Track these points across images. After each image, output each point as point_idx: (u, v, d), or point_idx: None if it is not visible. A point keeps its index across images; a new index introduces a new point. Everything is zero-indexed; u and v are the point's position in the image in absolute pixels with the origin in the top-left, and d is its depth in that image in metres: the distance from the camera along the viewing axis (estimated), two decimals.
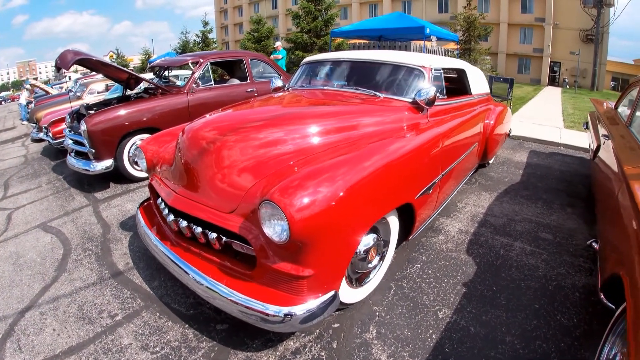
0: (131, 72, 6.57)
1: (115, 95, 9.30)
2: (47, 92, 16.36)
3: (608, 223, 2.65)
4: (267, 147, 2.57)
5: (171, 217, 2.76)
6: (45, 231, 4.86)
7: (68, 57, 5.34)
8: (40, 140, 10.95)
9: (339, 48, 17.17)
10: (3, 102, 51.34)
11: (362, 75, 3.86)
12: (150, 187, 3.41)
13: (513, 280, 3.24)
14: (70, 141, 6.17)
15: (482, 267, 3.42)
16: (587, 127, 6.31)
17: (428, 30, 13.90)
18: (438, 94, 3.47)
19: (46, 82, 23.74)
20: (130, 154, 5.94)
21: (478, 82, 5.14)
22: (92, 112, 6.24)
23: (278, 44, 14.43)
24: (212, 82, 6.91)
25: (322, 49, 17.33)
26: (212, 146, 2.61)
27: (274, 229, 2.01)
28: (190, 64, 6.80)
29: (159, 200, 3.15)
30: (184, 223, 2.65)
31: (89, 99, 11.33)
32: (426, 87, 3.31)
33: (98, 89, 11.87)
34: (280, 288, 2.16)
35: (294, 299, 2.12)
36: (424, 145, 3.04)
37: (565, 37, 38.74)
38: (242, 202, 2.31)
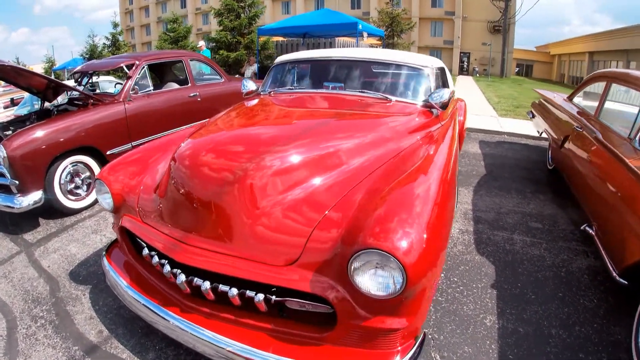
0: (53, 79, 5.59)
1: (28, 110, 8.14)
2: None
3: (612, 211, 2.79)
4: (312, 174, 2.15)
5: (182, 277, 2.06)
6: None
7: None
8: None
9: (264, 47, 16.62)
10: None
11: (360, 76, 3.55)
12: (123, 231, 2.66)
13: (530, 273, 3.31)
14: None
15: (499, 266, 3.43)
16: (534, 117, 6.76)
17: (360, 27, 13.84)
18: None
19: None
20: (62, 182, 4.99)
21: (449, 78, 4.98)
22: (9, 132, 5.25)
23: (201, 43, 13.60)
24: (151, 88, 6.06)
25: (247, 48, 16.63)
26: (239, 178, 2.03)
27: (382, 282, 1.65)
28: (124, 67, 5.91)
29: (146, 250, 2.41)
30: (206, 285, 1.99)
31: None
32: (438, 89, 3.16)
33: (4, 103, 10.38)
34: (367, 346, 1.79)
35: (387, 354, 1.77)
36: (449, 153, 2.76)
37: (474, 29, 41.21)
38: (305, 250, 1.83)
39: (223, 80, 7.31)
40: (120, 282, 2.50)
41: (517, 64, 48.10)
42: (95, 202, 5.29)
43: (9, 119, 7.58)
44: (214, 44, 16.55)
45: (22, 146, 4.50)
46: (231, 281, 1.95)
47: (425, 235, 1.64)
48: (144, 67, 5.95)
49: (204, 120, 3.44)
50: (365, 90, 3.33)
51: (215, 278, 2.00)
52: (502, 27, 37.93)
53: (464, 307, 2.91)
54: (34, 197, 4.66)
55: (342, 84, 3.51)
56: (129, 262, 2.70)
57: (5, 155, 4.37)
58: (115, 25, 25.23)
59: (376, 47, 19.96)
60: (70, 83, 7.30)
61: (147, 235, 2.32)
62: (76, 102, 5.93)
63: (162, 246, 2.15)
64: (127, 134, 5.52)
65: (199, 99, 6.63)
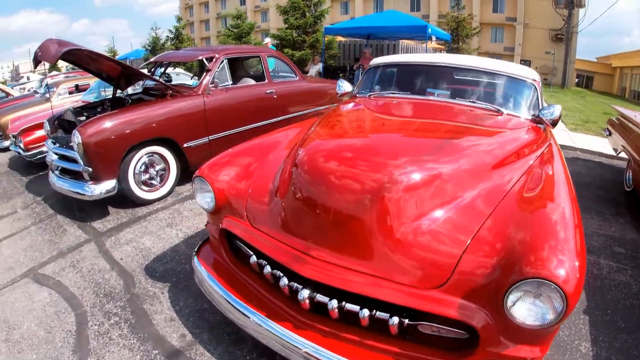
0: (131, 67, 5.33)
1: (95, 97, 7.99)
2: (8, 94, 14.60)
3: None
4: (451, 193, 2.07)
5: (305, 293, 1.94)
6: (38, 283, 3.64)
7: (52, 49, 4.12)
8: (5, 149, 9.44)
9: (328, 46, 16.22)
10: None
11: (464, 84, 3.46)
12: (223, 233, 2.54)
13: (618, 300, 3.24)
14: (55, 156, 4.89)
15: (589, 291, 3.33)
16: (610, 134, 6.48)
17: (430, 30, 13.19)
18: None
19: (2, 83, 21.68)
20: (137, 172, 4.74)
21: None
22: (83, 118, 4.99)
23: (267, 40, 13.31)
24: (230, 82, 5.72)
25: (312, 47, 16.29)
26: (377, 192, 1.91)
27: (539, 313, 1.62)
28: (204, 60, 5.58)
29: (254, 258, 2.30)
30: (333, 303, 1.88)
31: (60, 101, 9.86)
32: (551, 105, 3.07)
33: (69, 89, 10.35)
34: None
35: None
36: (566, 172, 2.70)
37: (535, 37, 39.43)
38: (455, 274, 1.74)
39: (297, 78, 6.93)
40: (216, 287, 2.40)
41: (577, 74, 45.79)
42: (169, 194, 5.12)
43: (76, 104, 7.45)
44: (278, 42, 16.27)
45: (98, 133, 4.28)
46: (358, 299, 1.87)
47: (577, 263, 1.63)
48: (223, 60, 5.69)
49: (292, 119, 3.44)
50: (476, 101, 3.23)
51: (337, 294, 1.91)
52: (564, 36, 36.09)
53: (560, 332, 2.83)
54: (107, 185, 4.45)
55: (447, 92, 3.42)
56: (220, 263, 2.64)
57: (81, 141, 4.15)
58: (179, 19, 25.65)
59: (440, 51, 19.25)
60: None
61: (260, 242, 2.22)
62: (152, 92, 5.66)
63: (283, 257, 2.04)
64: (205, 127, 5.26)
65: (275, 96, 6.28)
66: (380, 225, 1.87)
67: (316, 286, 1.95)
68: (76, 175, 4.69)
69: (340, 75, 14.38)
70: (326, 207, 1.94)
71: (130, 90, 6.18)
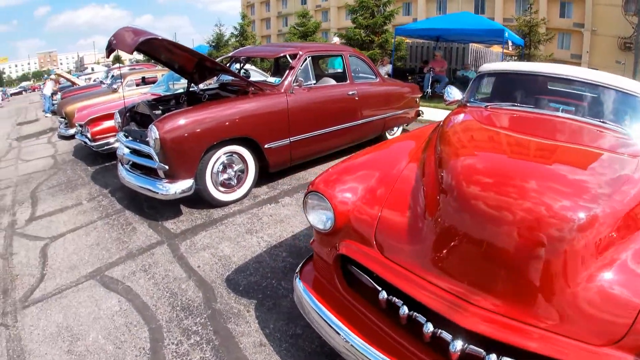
0: (213, 60, 4.94)
1: (163, 90, 7.74)
2: (74, 83, 14.86)
3: None
4: (622, 237, 1.76)
5: (458, 344, 1.63)
6: (105, 287, 3.25)
7: (128, 38, 3.80)
8: (70, 137, 9.42)
9: (397, 47, 15.62)
10: (23, 92, 50.82)
11: (587, 100, 3.12)
12: (338, 259, 2.18)
13: None
14: (127, 150, 4.57)
15: None
16: None
17: (507, 34, 12.30)
18: None
19: (67, 73, 22.32)
20: (214, 172, 4.34)
21: None
22: (159, 112, 4.65)
23: (336, 39, 12.84)
24: (314, 81, 5.26)
25: (380, 47, 15.68)
26: (565, 231, 1.60)
27: None
28: (287, 57, 5.15)
29: (384, 294, 1.95)
30: (492, 358, 1.56)
31: (127, 92, 9.74)
32: None
33: (136, 81, 10.25)
34: None
35: None
36: None
37: (603, 44, 37.26)
38: (633, 329, 1.44)
39: (378, 79, 6.37)
40: (327, 316, 2.07)
41: None
42: (245, 196, 4.71)
43: (144, 97, 7.20)
44: (345, 41, 15.79)
45: (177, 129, 3.88)
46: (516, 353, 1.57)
47: None
48: (306, 58, 5.22)
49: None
50: (606, 121, 2.84)
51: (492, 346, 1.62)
52: (633, 45, 33.95)
53: None
54: (183, 185, 4.04)
55: (572, 107, 3.14)
56: (324, 286, 2.30)
57: (158, 137, 3.76)
58: (244, 16, 25.86)
59: (511, 57, 18.26)
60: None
61: (397, 278, 1.86)
62: (229, 88, 5.26)
63: (435, 302, 1.71)
64: (287, 128, 4.83)
65: (356, 98, 5.77)
66: (561, 271, 1.60)
67: (468, 336, 1.65)
68: (148, 171, 4.34)
69: (410, 78, 13.74)
70: (495, 248, 1.64)
71: (202, 85, 5.84)
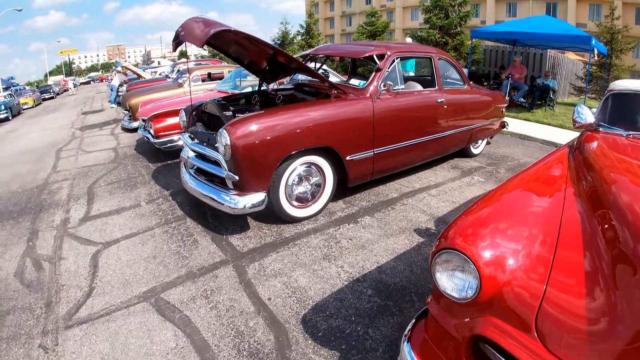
0: (291, 55, 4.39)
1: (230, 88, 7.33)
2: (140, 76, 14.94)
3: None
4: None
5: None
6: (160, 314, 2.78)
7: (197, 30, 3.32)
8: (133, 130, 9.26)
9: (473, 50, 14.68)
10: (92, 82, 53.27)
11: None
12: (471, 339, 1.58)
13: None
14: (192, 153, 4.11)
15: None
16: None
17: (594, 42, 11.16)
18: None
19: (134, 66, 22.79)
20: (289, 184, 3.78)
21: None
22: (229, 114, 4.19)
23: (408, 40, 12.05)
24: (402, 85, 4.61)
25: (455, 49, 14.77)
26: None
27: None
28: (374, 57, 4.52)
29: None
30: None
31: (192, 88, 9.47)
32: None
33: (202, 77, 9.97)
34: None
35: None
36: None
37: None
38: None
39: (466, 86, 5.62)
40: None
41: None
42: (320, 212, 4.12)
43: (211, 94, 6.81)
44: (417, 42, 14.98)
45: (251, 135, 3.36)
46: None
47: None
48: (394, 59, 4.56)
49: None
50: None
51: None
52: None
53: None
54: (254, 199, 3.52)
55: None
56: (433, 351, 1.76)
57: (229, 143, 3.26)
58: (311, 14, 25.60)
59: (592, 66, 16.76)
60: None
61: None
62: (306, 89, 4.71)
63: None
64: (372, 138, 4.20)
65: (445, 106, 5.04)
66: None
67: None
68: (213, 177, 3.86)
69: (485, 84, 12.76)
70: None
71: (273, 85, 5.35)
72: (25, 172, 6.86)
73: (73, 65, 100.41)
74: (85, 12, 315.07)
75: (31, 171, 6.90)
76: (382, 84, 4.28)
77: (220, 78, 10.02)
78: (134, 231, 4.05)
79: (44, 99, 28.43)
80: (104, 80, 29.51)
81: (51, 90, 31.27)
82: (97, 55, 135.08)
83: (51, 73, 69.98)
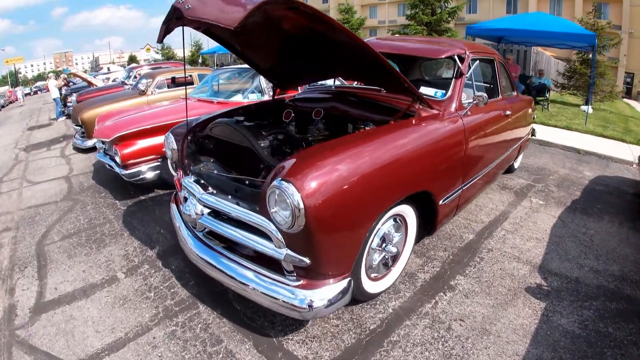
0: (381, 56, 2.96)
1: (214, 96, 5.85)
2: (91, 84, 13.02)
3: None
4: None
5: None
6: None
7: (230, 2, 1.90)
8: (88, 150, 7.61)
9: None
10: (38, 92, 49.51)
11: None
12: None
13: None
14: (203, 209, 2.62)
15: None
16: None
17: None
18: None
19: (84, 72, 20.57)
20: (373, 248, 2.47)
21: None
22: (266, 143, 2.78)
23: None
24: (485, 95, 3.34)
25: None
26: None
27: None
28: (455, 58, 3.22)
29: None
30: None
31: (156, 96, 7.90)
32: None
33: (164, 82, 8.39)
34: None
35: None
36: None
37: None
38: None
39: (515, 93, 4.55)
40: None
41: None
42: (397, 278, 2.88)
43: (192, 103, 5.34)
44: None
45: (332, 188, 2.05)
46: None
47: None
48: (471, 62, 3.38)
49: None
50: None
51: None
52: None
53: None
54: (335, 290, 2.18)
55: None
56: None
57: (300, 204, 1.92)
58: None
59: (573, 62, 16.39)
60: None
61: None
62: (352, 98, 3.35)
63: None
64: (462, 168, 3.05)
65: (510, 120, 3.91)
66: None
67: None
68: (260, 259, 2.42)
69: None
70: None
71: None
72: None
73: (19, 75, 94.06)
74: (32, 19, 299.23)
75: None
76: (474, 96, 3.09)
77: (186, 83, 8.49)
78: (119, 335, 2.56)
79: None
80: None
81: None
82: (44, 64, 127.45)
83: None
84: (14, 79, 75.21)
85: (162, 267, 3.35)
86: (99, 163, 6.50)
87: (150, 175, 4.67)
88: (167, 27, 2.37)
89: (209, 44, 29.75)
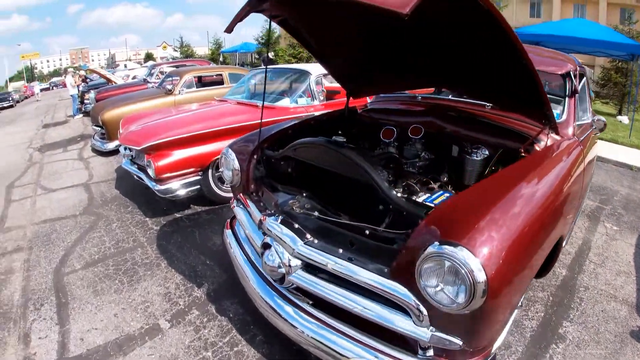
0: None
1: (250, 97, 5.17)
2: (110, 81, 12.43)
3: None
4: None
5: None
6: None
7: None
8: (107, 153, 7.01)
9: None
10: (54, 88, 49.58)
11: None
12: None
13: None
14: (295, 264, 1.91)
15: None
16: None
17: None
18: None
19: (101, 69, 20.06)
20: None
21: None
22: (387, 172, 2.10)
23: None
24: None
25: None
26: None
27: None
28: (571, 75, 2.58)
29: None
30: None
31: (184, 95, 7.25)
32: None
33: (192, 80, 7.74)
34: None
35: None
36: None
37: None
38: None
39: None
40: None
41: None
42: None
43: (229, 106, 4.66)
44: None
45: (505, 252, 1.42)
46: None
47: None
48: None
49: None
50: None
51: None
52: None
53: None
54: None
55: None
56: None
57: (481, 277, 1.32)
58: None
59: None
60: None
61: None
62: (451, 114, 2.67)
63: None
64: (578, 203, 2.75)
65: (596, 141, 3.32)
66: None
67: None
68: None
69: None
70: None
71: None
72: None
73: (35, 70, 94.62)
74: (48, 16, 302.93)
75: None
76: (592, 120, 2.92)
77: (214, 83, 7.86)
78: None
79: (2, 108, 25.27)
80: (66, 86, 26.62)
81: (10, 98, 27.88)
82: (60, 60, 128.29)
83: (12, 79, 65.45)
84: (30, 74, 75.72)
85: (217, 313, 2.67)
86: (122, 169, 5.86)
87: (188, 191, 4.01)
88: (243, 14, 1.89)
89: (224, 41, 29.31)
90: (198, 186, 4.01)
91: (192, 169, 3.93)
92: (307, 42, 2.59)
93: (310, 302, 1.93)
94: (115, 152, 6.96)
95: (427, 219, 1.50)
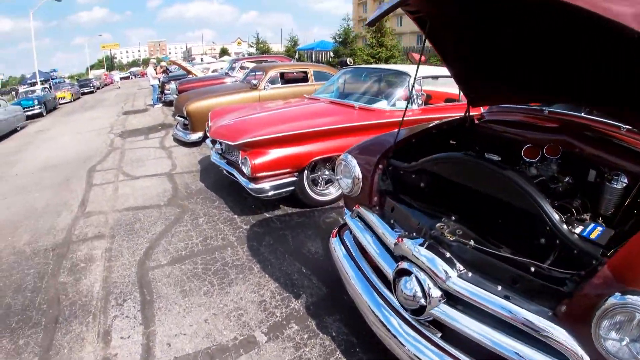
0: None
1: (339, 97, 4.89)
2: (190, 72, 12.66)
3: None
4: None
5: None
6: None
7: None
8: (190, 143, 7.00)
9: None
10: (132, 77, 52.40)
11: None
12: None
13: None
14: (439, 296, 1.59)
15: None
16: None
17: None
18: None
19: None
20: None
21: None
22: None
23: None
24: None
25: None
26: None
27: None
28: None
29: None
30: None
31: (268, 92, 7.11)
32: None
33: (277, 76, 7.60)
34: None
35: None
36: None
37: None
38: None
39: None
40: None
41: None
42: None
43: (323, 106, 4.39)
44: None
45: None
46: None
47: None
48: None
49: None
50: None
51: None
52: None
53: None
54: None
55: None
56: None
57: None
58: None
59: None
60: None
61: None
62: (588, 134, 2.21)
63: None
64: None
65: None
66: None
67: None
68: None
69: None
70: None
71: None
72: (42, 209, 4.59)
73: (115, 60, 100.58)
74: (128, 9, 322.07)
75: (50, 207, 4.63)
76: None
77: (297, 80, 7.68)
78: None
79: (83, 93, 26.98)
80: (144, 76, 27.93)
81: (91, 85, 29.91)
82: (139, 51, 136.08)
83: (92, 67, 69.93)
84: (110, 64, 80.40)
85: (318, 330, 2.38)
86: (206, 161, 5.80)
87: (281, 192, 3.77)
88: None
89: (299, 39, 29.60)
90: (292, 187, 3.78)
91: (288, 170, 3.70)
92: (444, 43, 2.27)
93: (440, 334, 1.62)
94: (197, 143, 6.95)
95: (610, 263, 1.25)
